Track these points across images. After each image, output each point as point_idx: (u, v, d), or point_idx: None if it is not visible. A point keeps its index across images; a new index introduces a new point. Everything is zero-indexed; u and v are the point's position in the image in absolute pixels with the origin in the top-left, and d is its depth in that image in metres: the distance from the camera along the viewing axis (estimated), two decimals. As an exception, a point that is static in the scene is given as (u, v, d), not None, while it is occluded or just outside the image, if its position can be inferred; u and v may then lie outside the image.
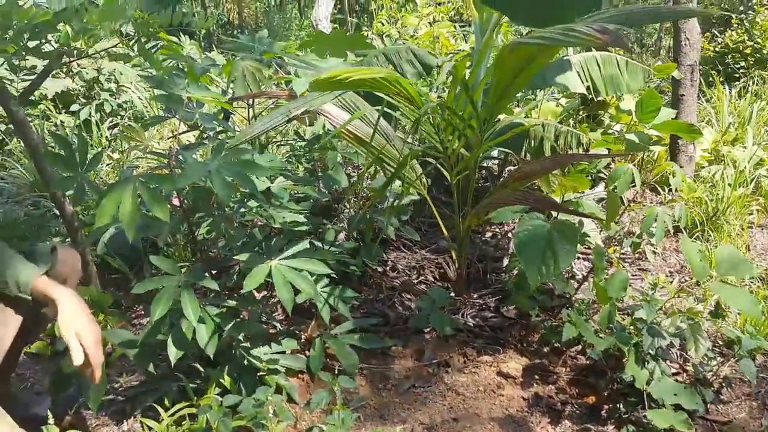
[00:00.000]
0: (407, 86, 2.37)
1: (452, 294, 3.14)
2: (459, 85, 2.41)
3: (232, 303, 2.31)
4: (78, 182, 1.98)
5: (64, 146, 2.00)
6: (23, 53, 2.17)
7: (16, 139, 4.59)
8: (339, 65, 2.68)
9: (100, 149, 4.43)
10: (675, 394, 2.25)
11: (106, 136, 5.14)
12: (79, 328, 1.68)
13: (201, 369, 2.34)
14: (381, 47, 4.46)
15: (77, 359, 1.65)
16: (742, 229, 3.96)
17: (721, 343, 2.79)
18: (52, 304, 1.72)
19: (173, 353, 2.08)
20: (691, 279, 3.36)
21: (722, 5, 10.63)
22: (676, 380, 2.46)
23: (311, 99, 2.57)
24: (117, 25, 2.18)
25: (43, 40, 2.25)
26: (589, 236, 3.11)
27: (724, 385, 2.50)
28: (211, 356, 2.08)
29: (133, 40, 2.45)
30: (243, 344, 2.39)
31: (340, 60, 3.03)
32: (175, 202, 2.50)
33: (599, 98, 4.42)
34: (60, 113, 5.24)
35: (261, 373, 2.36)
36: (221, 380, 2.23)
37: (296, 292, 2.14)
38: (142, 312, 3.04)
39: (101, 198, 1.84)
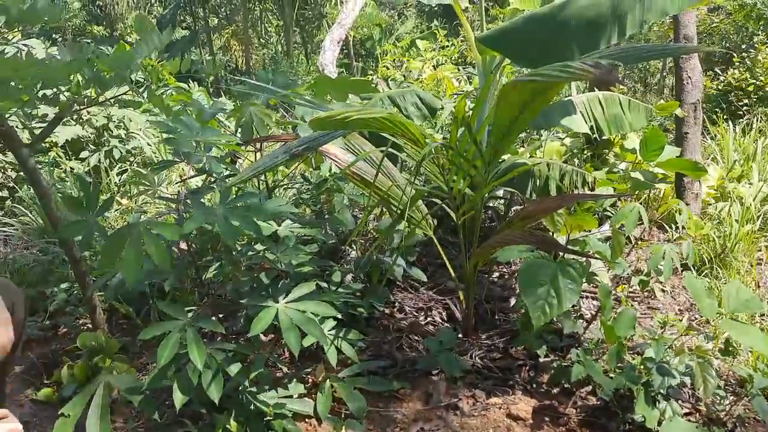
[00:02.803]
0: (410, 126, 2.39)
1: (460, 335, 3.12)
2: (461, 125, 2.44)
3: (238, 347, 2.31)
4: (88, 227, 2.00)
5: (83, 187, 2.03)
6: (35, 102, 2.21)
7: (26, 186, 4.65)
8: (345, 107, 2.71)
9: (109, 195, 4.48)
10: (687, 435, 2.21)
11: (115, 182, 5.20)
12: None
13: (207, 414, 2.32)
14: (386, 90, 4.52)
15: None
16: (751, 265, 3.93)
17: (733, 381, 2.75)
18: None
19: (179, 398, 2.07)
20: (701, 317, 3.33)
21: (723, 44, 10.73)
22: (689, 420, 2.42)
23: (313, 138, 2.60)
24: (128, 72, 2.23)
25: (55, 89, 2.30)
26: (596, 275, 3.10)
27: (737, 424, 2.45)
28: (217, 401, 2.06)
29: (143, 87, 2.50)
30: (249, 389, 2.37)
31: (346, 102, 3.08)
32: (183, 246, 2.51)
33: (603, 137, 4.45)
34: (70, 160, 5.30)
35: (268, 417, 2.34)
36: (227, 425, 2.21)
37: (303, 335, 2.13)
38: (149, 357, 3.03)
39: (107, 243, 1.85)
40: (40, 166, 4.93)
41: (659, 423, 2.28)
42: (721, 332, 2.98)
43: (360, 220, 3.77)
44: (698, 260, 3.94)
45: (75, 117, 5.38)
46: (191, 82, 8.36)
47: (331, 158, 2.89)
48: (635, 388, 2.38)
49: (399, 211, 2.84)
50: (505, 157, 3.26)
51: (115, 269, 1.91)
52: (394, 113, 2.29)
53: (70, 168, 5.17)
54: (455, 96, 5.86)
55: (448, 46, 9.13)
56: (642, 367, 2.54)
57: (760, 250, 4.18)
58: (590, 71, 1.78)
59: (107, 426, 2.03)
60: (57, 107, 2.31)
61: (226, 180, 2.70)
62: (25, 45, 2.31)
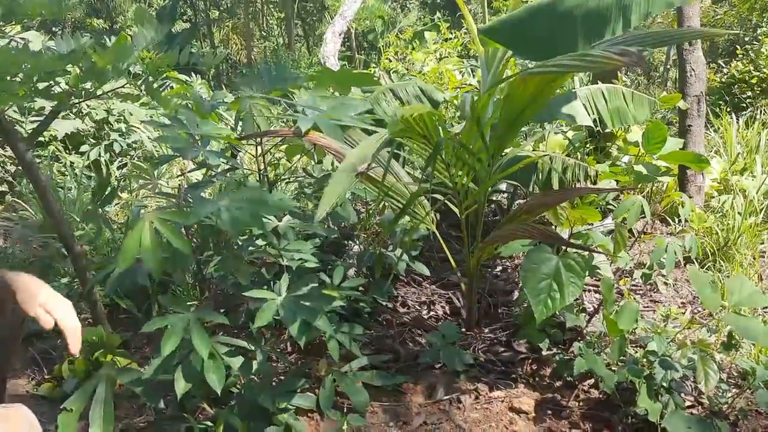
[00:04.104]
0: (429, 123, 2.35)
1: (463, 329, 3.11)
2: (473, 120, 2.42)
3: (241, 341, 2.30)
4: (96, 218, 1.99)
5: (99, 180, 2.02)
6: (32, 95, 2.20)
7: (26, 181, 4.63)
8: (343, 103, 2.69)
9: (112, 188, 4.47)
10: (689, 428, 2.20)
11: (116, 176, 5.18)
12: (44, 299, 1.65)
13: (209, 409, 2.31)
14: (389, 83, 4.50)
15: (47, 324, 1.63)
16: (754, 258, 3.92)
17: (735, 374, 2.74)
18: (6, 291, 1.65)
19: (181, 387, 2.05)
20: (704, 310, 3.33)
21: (726, 36, 10.69)
22: (691, 413, 2.42)
23: (367, 147, 2.53)
24: (125, 65, 2.21)
25: (52, 82, 2.28)
26: (599, 268, 3.09)
27: (740, 417, 2.44)
28: (219, 394, 2.05)
29: (141, 80, 2.48)
30: (252, 383, 2.37)
31: (346, 98, 3.05)
32: (184, 240, 2.50)
33: (606, 130, 4.43)
34: (70, 154, 5.29)
35: (270, 412, 2.34)
36: (229, 420, 2.21)
37: (307, 328, 2.13)
38: (151, 351, 3.02)
39: (126, 240, 1.85)
40: (39, 161, 4.92)
41: (662, 416, 2.28)
42: (723, 325, 2.97)
43: (362, 214, 3.76)
44: (701, 253, 3.92)
45: (74, 110, 5.36)
46: (193, 74, 8.33)
47: (332, 154, 2.87)
48: (638, 381, 2.37)
49: (402, 206, 2.82)
50: (507, 150, 3.25)
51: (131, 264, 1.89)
52: (433, 111, 2.25)
53: (70, 162, 5.15)
54: (458, 89, 5.83)
55: (451, 38, 9.09)
56: (644, 360, 2.54)
57: (762, 243, 4.17)
58: (617, 59, 1.72)
59: (110, 420, 2.03)
60: (54, 100, 2.29)
61: (227, 174, 2.69)
62: (23, 38, 2.28)
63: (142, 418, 2.52)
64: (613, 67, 1.78)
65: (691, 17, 4.41)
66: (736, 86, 7.98)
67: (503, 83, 2.66)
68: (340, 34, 7.89)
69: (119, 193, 4.68)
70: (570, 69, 1.98)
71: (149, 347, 3.04)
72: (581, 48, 2.56)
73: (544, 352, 2.90)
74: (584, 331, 2.97)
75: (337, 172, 2.44)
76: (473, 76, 7.09)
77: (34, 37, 4.44)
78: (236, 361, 2.19)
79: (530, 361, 2.91)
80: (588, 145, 4.74)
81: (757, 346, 2.84)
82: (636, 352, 2.75)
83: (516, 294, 3.49)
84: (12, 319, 1.84)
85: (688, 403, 2.53)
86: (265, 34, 20.20)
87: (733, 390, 2.57)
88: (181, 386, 2.07)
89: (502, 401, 2.65)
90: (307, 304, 2.18)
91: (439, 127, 2.41)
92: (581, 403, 2.62)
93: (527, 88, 2.28)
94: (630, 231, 3.85)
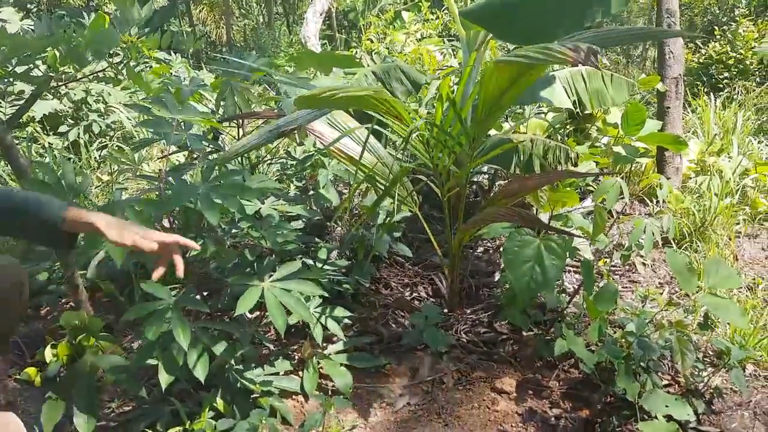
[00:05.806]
0: (394, 104, 2.38)
1: (445, 310, 3.14)
2: (446, 102, 2.43)
3: (224, 325, 2.30)
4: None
5: (47, 173, 2.00)
6: (10, 78, 2.17)
7: (3, 163, 4.57)
8: (330, 84, 2.69)
9: (87, 173, 4.42)
10: (667, 406, 2.26)
11: (95, 158, 5.13)
12: (135, 231, 1.67)
13: (194, 392, 2.32)
14: (370, 65, 4.47)
15: (151, 248, 1.67)
16: (730, 239, 3.98)
17: (711, 353, 2.80)
18: (88, 227, 1.66)
19: (164, 378, 2.07)
20: (681, 290, 3.38)
21: (705, 17, 10.76)
22: (668, 392, 2.47)
23: (301, 116, 2.58)
24: (105, 48, 2.19)
25: (31, 65, 2.25)
26: (579, 250, 3.13)
27: (715, 395, 2.50)
28: (202, 381, 2.06)
29: (122, 63, 2.45)
30: (236, 367, 2.38)
31: (332, 78, 3.04)
32: (166, 223, 2.50)
33: (586, 112, 4.45)
34: (48, 135, 5.22)
35: (254, 395, 2.35)
36: (214, 404, 2.22)
37: (289, 313, 2.14)
38: (134, 336, 3.02)
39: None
40: (17, 142, 4.85)
41: (639, 395, 2.33)
42: (700, 306, 3.03)
43: (345, 196, 3.76)
44: (678, 234, 3.98)
45: (52, 91, 5.28)
46: (173, 53, 8.22)
47: (315, 135, 2.87)
48: (616, 361, 2.42)
49: (384, 188, 2.83)
50: (490, 132, 3.26)
51: (98, 248, 1.89)
52: (380, 90, 2.27)
53: (49, 143, 5.09)
54: (439, 71, 5.82)
55: (431, 19, 9.04)
56: (623, 340, 2.58)
57: (738, 224, 4.23)
58: (570, 54, 1.77)
59: (95, 408, 2.04)
60: (34, 84, 2.26)
61: (209, 157, 2.68)
62: (0, 20, 2.25)
63: (126, 401, 2.52)
64: (566, 62, 1.82)
65: (670, -1, 4.43)
66: (713, 67, 8.05)
67: (480, 67, 2.67)
68: (321, 14, 7.83)
69: (100, 176, 4.64)
70: (531, 60, 1.99)
71: (132, 331, 3.04)
72: (561, 34, 2.57)
73: (525, 333, 2.94)
74: (564, 312, 3.02)
75: (261, 129, 2.52)
76: (454, 57, 7.07)
77: (10, 15, 4.35)
78: (220, 346, 2.20)
79: (512, 341, 2.95)
80: (568, 127, 4.77)
81: (732, 326, 2.91)
82: (615, 332, 2.80)
83: (498, 275, 3.52)
84: (12, 314, 1.84)
85: (665, 382, 2.59)
86: (244, 12, 19.93)
87: (709, 369, 2.62)
88: (164, 378, 2.07)
89: (485, 381, 2.69)
90: (290, 289, 2.19)
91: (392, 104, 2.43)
92: (561, 383, 2.67)
93: (504, 75, 2.28)
94: (609, 212, 3.90)
